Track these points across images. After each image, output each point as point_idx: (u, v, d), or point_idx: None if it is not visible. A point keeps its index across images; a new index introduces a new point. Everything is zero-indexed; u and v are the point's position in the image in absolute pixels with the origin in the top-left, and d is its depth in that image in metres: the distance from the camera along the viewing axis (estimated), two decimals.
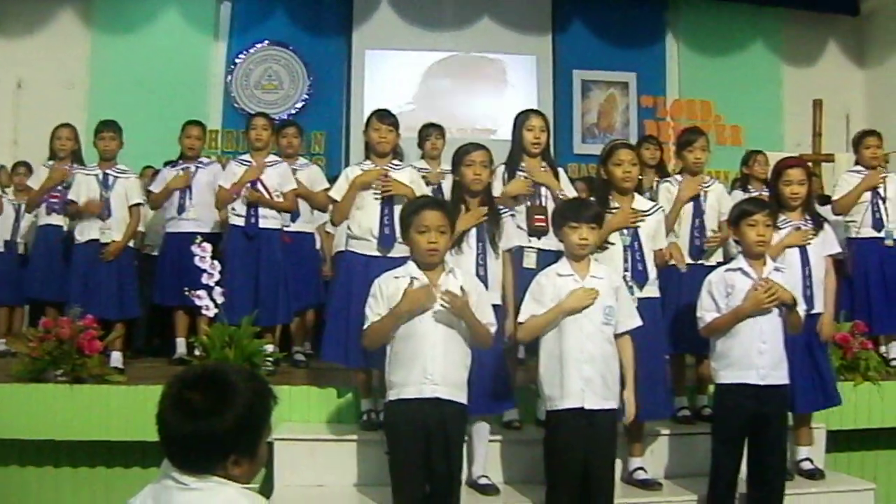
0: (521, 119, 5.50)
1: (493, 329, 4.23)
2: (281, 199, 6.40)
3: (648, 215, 5.03)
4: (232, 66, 11.51)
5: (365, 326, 4.18)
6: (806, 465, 5.30)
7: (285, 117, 10.56)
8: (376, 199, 5.23)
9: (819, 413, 5.42)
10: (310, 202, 6.88)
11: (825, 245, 5.28)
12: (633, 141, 8.42)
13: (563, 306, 4.27)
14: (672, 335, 5.33)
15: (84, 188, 6.55)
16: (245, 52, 11.55)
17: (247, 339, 5.59)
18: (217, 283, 5.72)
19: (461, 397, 4.14)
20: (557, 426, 4.30)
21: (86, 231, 6.49)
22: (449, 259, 4.35)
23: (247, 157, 6.53)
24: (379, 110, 5.49)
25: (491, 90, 12.02)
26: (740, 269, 4.70)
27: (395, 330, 4.10)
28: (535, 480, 4.66)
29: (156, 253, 7.38)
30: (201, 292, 5.67)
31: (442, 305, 4.02)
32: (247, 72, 11.53)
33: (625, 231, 4.88)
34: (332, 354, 5.21)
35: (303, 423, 5.38)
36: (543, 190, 5.38)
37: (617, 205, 4.98)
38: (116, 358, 6.15)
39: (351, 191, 5.23)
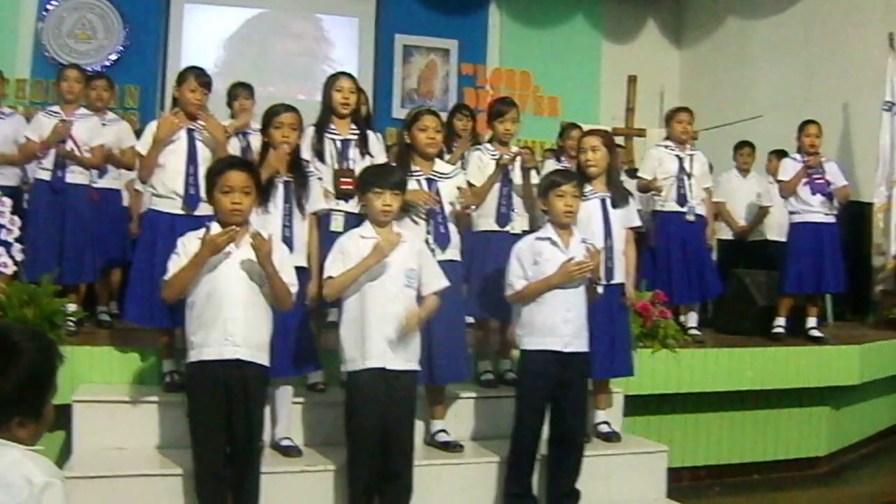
0: (331, 81, 5.49)
1: (294, 289, 4.23)
2: (89, 155, 6.18)
3: (449, 178, 5.12)
4: (43, 13, 10.92)
5: (166, 277, 4.12)
6: (603, 428, 5.52)
7: (99, 69, 10.10)
8: (177, 139, 5.10)
9: (618, 378, 5.64)
10: (118, 163, 6.64)
11: (627, 218, 5.45)
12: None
13: (366, 262, 4.28)
14: (477, 300, 5.42)
15: None
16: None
17: (47, 298, 5.37)
18: (17, 240, 5.51)
19: (263, 359, 4.16)
20: (357, 387, 4.36)
21: None
22: (254, 220, 4.34)
23: (56, 108, 6.31)
24: (195, 68, 5.30)
25: (312, 50, 11.92)
26: (549, 238, 4.82)
27: (195, 282, 4.07)
28: (338, 442, 4.68)
29: None
30: None
31: (252, 245, 4.00)
32: (59, 20, 10.99)
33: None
34: (135, 314, 5.09)
35: (104, 385, 5.21)
36: (351, 153, 5.38)
37: (418, 168, 5.04)
38: None
39: (156, 145, 5.06)
